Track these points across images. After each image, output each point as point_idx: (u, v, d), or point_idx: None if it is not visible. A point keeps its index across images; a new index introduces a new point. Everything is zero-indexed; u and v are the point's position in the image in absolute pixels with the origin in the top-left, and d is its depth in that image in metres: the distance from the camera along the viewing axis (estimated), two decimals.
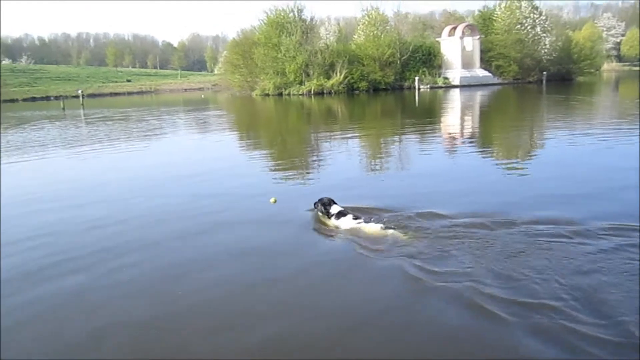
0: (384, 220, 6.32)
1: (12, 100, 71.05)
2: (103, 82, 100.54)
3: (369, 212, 6.77)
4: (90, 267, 5.52)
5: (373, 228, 6.02)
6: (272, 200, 7.45)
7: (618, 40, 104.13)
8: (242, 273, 5.23)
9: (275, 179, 10.20)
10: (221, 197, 8.46)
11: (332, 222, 6.52)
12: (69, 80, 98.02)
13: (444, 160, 11.94)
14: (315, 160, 12.45)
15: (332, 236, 6.26)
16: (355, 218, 6.34)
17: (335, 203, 6.70)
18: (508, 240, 5.58)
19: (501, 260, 5.07)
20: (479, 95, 37.37)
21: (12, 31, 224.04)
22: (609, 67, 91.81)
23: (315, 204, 6.88)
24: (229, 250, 5.89)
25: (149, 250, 6.03)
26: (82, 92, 52.60)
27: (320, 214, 6.76)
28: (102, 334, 4.13)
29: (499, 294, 4.39)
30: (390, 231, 5.91)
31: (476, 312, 4.16)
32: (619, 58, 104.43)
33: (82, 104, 46.17)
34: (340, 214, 6.49)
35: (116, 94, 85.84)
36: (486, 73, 52.03)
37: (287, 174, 10.63)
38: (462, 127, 19.18)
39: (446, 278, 4.75)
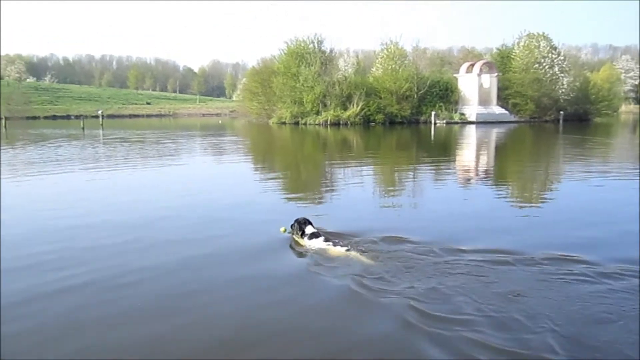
0: (352, 242, 6.76)
1: (34, 118, 72.43)
2: (123, 104, 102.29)
3: (343, 236, 7.09)
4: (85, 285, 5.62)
5: (338, 250, 6.44)
6: (282, 229, 7.29)
7: (636, 83, 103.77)
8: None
9: (285, 205, 10.21)
10: (224, 223, 8.53)
11: (305, 241, 6.83)
12: (90, 100, 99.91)
13: (450, 195, 11.86)
14: (327, 190, 12.47)
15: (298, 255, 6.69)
16: (326, 240, 6.70)
17: (310, 223, 7.01)
18: (456, 264, 6.01)
19: (444, 280, 5.50)
20: (494, 133, 37.37)
21: (39, 50, 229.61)
22: (627, 109, 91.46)
23: (292, 225, 7.12)
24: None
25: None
26: (102, 112, 53.58)
27: (295, 233, 7.04)
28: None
29: (427, 310, 4.81)
30: (353, 253, 6.32)
31: (397, 322, 4.63)
32: (637, 100, 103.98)
33: (102, 124, 46.95)
34: (313, 235, 6.82)
35: (135, 115, 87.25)
36: (503, 111, 52.09)
37: (299, 202, 10.64)
38: (477, 164, 19.15)
39: (384, 294, 5.20)
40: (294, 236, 7.05)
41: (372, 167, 17.63)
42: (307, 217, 7.16)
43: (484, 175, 15.90)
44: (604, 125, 48.37)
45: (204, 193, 11.90)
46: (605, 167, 17.11)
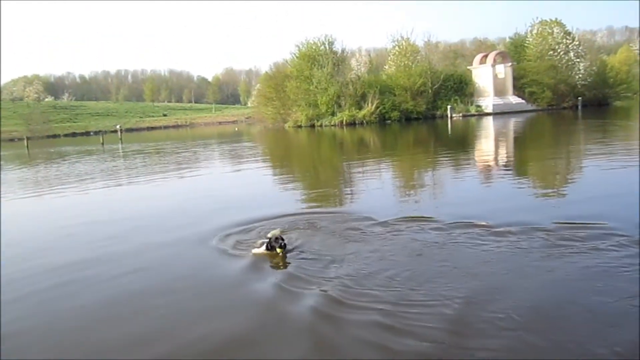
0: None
1: (54, 136, 73.64)
2: (140, 117, 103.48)
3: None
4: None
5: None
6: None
7: None
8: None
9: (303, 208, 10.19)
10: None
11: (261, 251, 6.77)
12: (108, 115, 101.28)
13: (469, 185, 11.73)
14: (346, 191, 12.43)
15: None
16: (262, 244, 6.85)
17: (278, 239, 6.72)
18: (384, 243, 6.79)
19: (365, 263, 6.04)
20: (512, 123, 36.97)
21: (55, 69, 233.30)
22: None
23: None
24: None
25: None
26: (120, 127, 54.28)
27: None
28: None
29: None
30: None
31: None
32: None
33: (121, 139, 47.53)
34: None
35: (153, 128, 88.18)
36: (519, 100, 51.55)
37: (318, 204, 10.60)
38: (497, 155, 18.95)
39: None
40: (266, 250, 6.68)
41: (390, 164, 17.55)
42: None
43: (504, 167, 15.73)
44: (624, 109, 47.54)
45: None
46: (628, 149, 16.82)
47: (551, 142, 22.69)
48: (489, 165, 15.85)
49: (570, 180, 12.24)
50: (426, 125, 41.70)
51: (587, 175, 12.66)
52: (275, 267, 6.28)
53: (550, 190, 10.97)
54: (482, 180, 12.96)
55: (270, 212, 9.27)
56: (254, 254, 6.67)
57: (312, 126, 48.64)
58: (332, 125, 47.36)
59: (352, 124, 46.91)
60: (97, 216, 10.67)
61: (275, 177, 16.96)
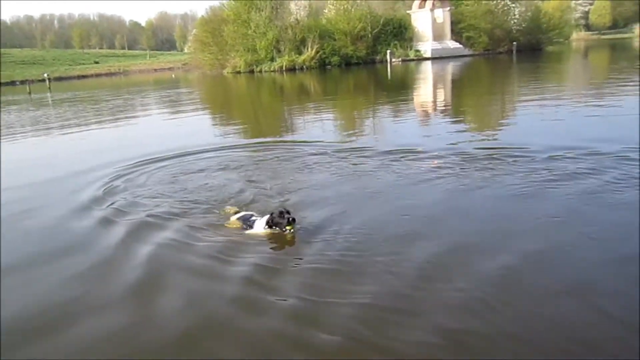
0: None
1: None
2: (70, 65, 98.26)
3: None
4: None
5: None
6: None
7: (586, 10, 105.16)
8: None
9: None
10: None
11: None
12: (34, 63, 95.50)
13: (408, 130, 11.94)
14: (286, 133, 12.36)
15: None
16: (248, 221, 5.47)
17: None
18: None
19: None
20: (450, 67, 37.47)
21: None
22: (578, 37, 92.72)
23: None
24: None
25: None
26: (48, 75, 51.36)
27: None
28: None
29: None
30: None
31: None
32: (588, 27, 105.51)
33: (49, 88, 45.12)
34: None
35: (84, 76, 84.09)
36: (457, 45, 52.15)
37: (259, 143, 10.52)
38: (435, 99, 19.22)
39: None
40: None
41: (330, 109, 17.47)
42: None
43: (441, 108, 15.99)
44: (556, 53, 49.06)
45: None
46: (558, 90, 17.44)
47: (487, 85, 23.19)
48: (427, 108, 16.08)
49: (502, 119, 12.60)
50: (366, 70, 41.66)
51: (519, 114, 13.08)
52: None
53: (482, 125, 11.31)
54: (419, 120, 13.19)
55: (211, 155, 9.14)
56: (249, 235, 5.20)
57: (252, 72, 47.65)
58: (272, 71, 46.56)
59: (292, 69, 46.25)
60: None
61: (214, 124, 16.63)
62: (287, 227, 5.03)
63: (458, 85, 24.52)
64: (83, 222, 5.96)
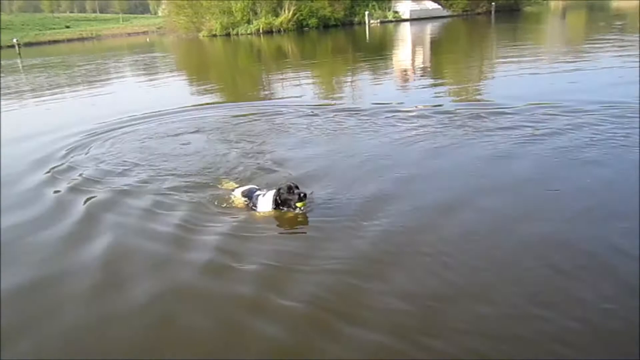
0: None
1: None
2: (40, 30, 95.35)
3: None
4: None
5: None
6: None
7: None
8: None
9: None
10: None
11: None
12: (2, 29, 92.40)
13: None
14: (266, 95, 12.21)
15: None
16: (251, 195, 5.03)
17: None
18: None
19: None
20: (429, 28, 37.12)
21: None
22: None
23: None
24: None
25: None
26: (17, 41, 49.73)
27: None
28: None
29: None
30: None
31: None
32: None
33: (19, 54, 43.79)
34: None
35: (55, 41, 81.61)
36: (436, 6, 51.57)
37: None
38: (414, 60, 19.08)
39: None
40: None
41: (309, 72, 17.26)
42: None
43: (419, 69, 15.91)
44: (534, 14, 48.90)
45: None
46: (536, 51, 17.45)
47: (465, 46, 23.08)
48: (405, 69, 15.99)
49: (481, 79, 12.60)
50: (344, 32, 41.09)
51: (497, 74, 13.09)
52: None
53: (461, 85, 11.31)
54: (398, 82, 13.15)
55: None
56: (259, 214, 4.72)
57: (228, 35, 46.72)
58: (249, 34, 45.68)
59: (269, 32, 45.39)
60: None
61: (191, 88, 16.36)
62: (298, 205, 4.52)
63: (437, 47, 24.34)
64: (48, 190, 5.86)
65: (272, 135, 7.50)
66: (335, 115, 8.49)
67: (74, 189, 5.81)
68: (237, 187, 5.27)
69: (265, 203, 4.70)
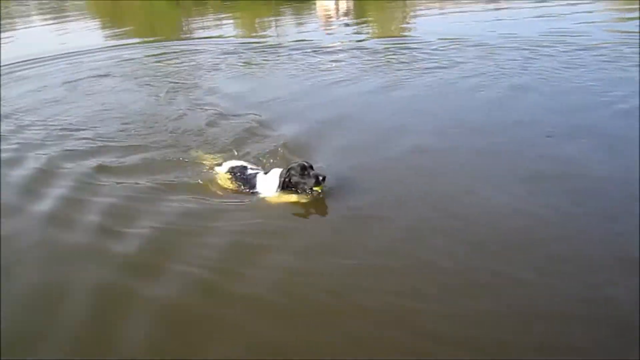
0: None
1: None
2: None
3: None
4: None
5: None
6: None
7: None
8: None
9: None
10: None
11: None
12: None
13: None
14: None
15: None
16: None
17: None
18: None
19: None
20: None
21: None
22: None
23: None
24: None
25: None
26: None
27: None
28: None
29: None
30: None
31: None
32: None
33: None
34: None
35: None
36: None
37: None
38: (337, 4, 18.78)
39: None
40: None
41: (230, 14, 16.70)
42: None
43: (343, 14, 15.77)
44: None
45: None
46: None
47: None
48: (328, 9, 15.86)
49: (402, 22, 12.81)
50: None
51: (418, 17, 13.28)
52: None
53: (382, 25, 11.51)
54: (320, 22, 13.18)
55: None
56: (271, 200, 3.85)
57: None
58: None
59: None
60: None
61: (105, 30, 15.54)
62: (316, 189, 3.75)
63: None
64: None
65: (192, 74, 7.42)
66: (257, 51, 8.55)
67: None
68: (216, 162, 4.39)
69: (268, 185, 3.87)
